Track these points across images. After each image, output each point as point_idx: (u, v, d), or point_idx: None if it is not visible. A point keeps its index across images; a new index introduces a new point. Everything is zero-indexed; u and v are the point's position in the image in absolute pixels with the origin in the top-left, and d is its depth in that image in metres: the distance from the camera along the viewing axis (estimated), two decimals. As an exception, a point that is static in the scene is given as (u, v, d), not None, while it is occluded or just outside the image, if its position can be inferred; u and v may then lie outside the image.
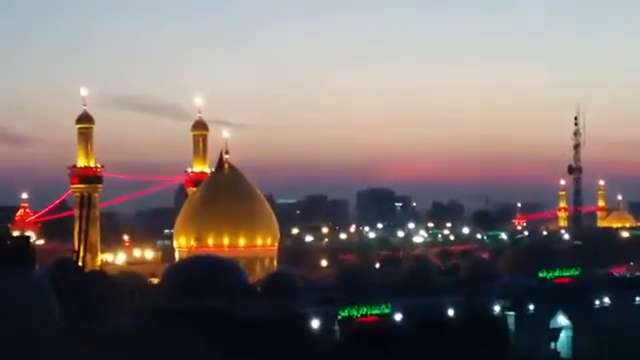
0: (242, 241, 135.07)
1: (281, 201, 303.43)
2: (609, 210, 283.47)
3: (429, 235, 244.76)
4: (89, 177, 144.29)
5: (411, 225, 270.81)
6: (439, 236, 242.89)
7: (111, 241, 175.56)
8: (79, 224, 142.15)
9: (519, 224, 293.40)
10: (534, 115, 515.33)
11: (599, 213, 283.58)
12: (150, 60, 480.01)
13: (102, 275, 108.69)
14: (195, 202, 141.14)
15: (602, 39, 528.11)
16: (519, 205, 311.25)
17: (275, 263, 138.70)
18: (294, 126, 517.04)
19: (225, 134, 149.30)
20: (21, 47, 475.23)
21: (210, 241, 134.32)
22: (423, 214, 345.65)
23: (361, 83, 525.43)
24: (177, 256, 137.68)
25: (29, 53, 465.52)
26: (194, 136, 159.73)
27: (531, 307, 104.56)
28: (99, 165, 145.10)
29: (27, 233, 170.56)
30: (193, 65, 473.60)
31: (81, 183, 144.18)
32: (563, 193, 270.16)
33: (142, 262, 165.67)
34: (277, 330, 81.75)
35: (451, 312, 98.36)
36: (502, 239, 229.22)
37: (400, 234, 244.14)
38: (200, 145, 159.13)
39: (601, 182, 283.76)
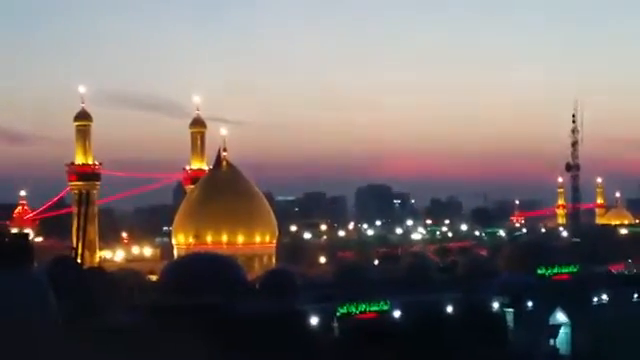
0: (241, 238, 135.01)
1: (279, 198, 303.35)
2: (607, 207, 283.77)
3: (427, 232, 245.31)
4: (87, 174, 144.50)
5: (409, 222, 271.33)
6: (437, 233, 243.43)
7: (109, 238, 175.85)
8: (77, 221, 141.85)
9: (517, 221, 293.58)
10: (532, 112, 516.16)
11: (597, 210, 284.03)
12: (148, 58, 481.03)
13: (100, 272, 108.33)
14: (193, 199, 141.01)
15: (600, 37, 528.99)
16: (517, 202, 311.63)
17: (274, 260, 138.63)
18: (292, 123, 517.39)
19: (223, 131, 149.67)
20: (20, 46, 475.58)
21: (208, 238, 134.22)
22: (421, 211, 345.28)
23: (359, 81, 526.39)
24: (175, 253, 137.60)
25: (28, 52, 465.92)
26: (192, 133, 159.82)
27: (530, 304, 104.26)
28: (97, 162, 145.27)
29: (25, 230, 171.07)
30: (191, 63, 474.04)
31: (79, 180, 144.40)
32: (561, 190, 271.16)
33: (140, 259, 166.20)
34: (276, 327, 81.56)
35: (450, 309, 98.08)
36: (500, 236, 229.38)
37: (398, 231, 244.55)
38: (198, 142, 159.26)
39: (599, 179, 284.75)
